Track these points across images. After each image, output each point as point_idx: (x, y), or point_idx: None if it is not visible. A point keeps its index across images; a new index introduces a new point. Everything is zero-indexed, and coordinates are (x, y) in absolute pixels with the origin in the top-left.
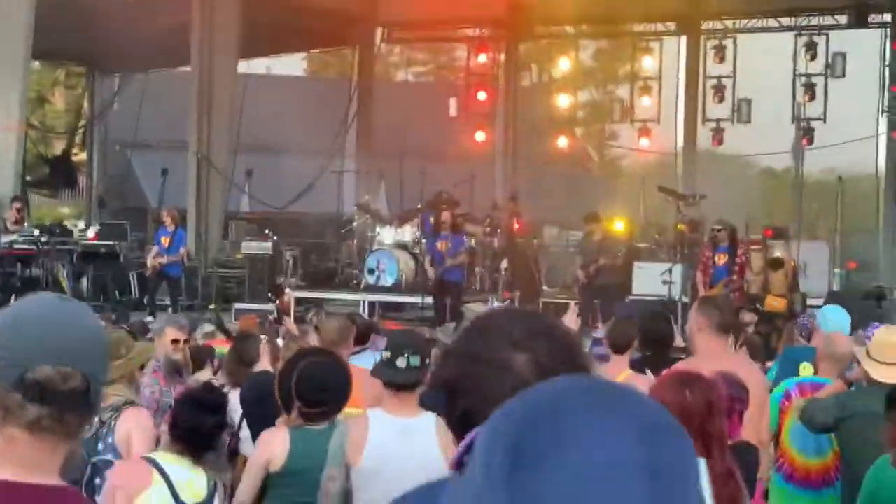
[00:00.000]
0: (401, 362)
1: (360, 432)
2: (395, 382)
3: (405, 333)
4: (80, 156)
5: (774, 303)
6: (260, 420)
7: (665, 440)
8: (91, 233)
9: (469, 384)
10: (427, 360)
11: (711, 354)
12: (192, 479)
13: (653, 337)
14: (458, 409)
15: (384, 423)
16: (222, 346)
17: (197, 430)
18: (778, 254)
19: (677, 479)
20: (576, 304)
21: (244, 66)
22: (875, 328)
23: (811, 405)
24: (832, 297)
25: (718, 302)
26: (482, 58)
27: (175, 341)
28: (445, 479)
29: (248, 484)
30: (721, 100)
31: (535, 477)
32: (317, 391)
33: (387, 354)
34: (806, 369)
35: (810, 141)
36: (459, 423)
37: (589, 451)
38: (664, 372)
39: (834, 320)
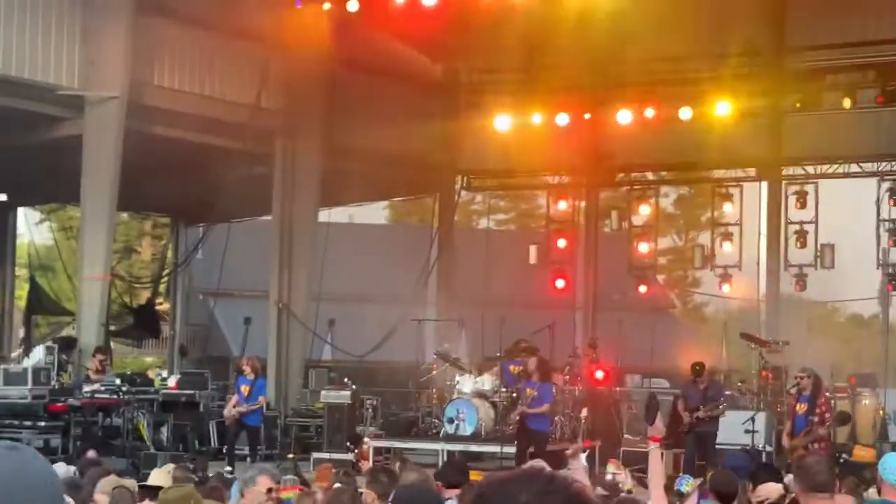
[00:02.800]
0: None
1: None
2: None
3: (411, 489)
4: (164, 305)
5: (862, 452)
6: None
7: None
8: (172, 382)
9: None
10: None
11: None
12: None
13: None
14: None
15: None
16: (288, 493)
17: None
18: (865, 402)
19: None
20: (582, 449)
21: (326, 215)
22: None
23: None
24: None
25: (809, 462)
26: (562, 205)
27: (269, 490)
28: None
29: None
30: (803, 245)
31: None
32: None
33: None
34: None
35: None
36: None
37: None
38: None
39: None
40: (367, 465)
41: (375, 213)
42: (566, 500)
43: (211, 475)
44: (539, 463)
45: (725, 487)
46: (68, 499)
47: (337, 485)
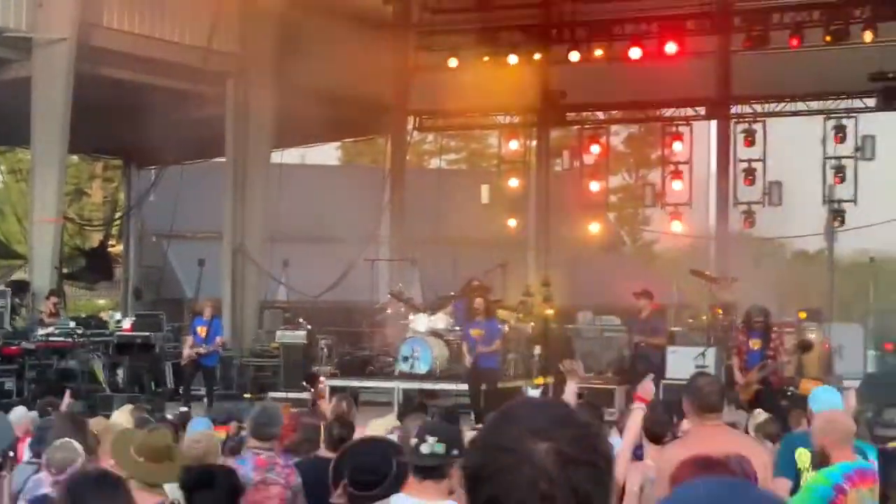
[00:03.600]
0: (425, 448)
1: None
2: (418, 466)
3: (438, 423)
4: (116, 248)
5: (809, 385)
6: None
7: None
8: (127, 324)
9: (491, 473)
10: (454, 451)
11: (701, 437)
12: None
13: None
14: (481, 497)
15: None
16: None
17: None
18: (811, 336)
19: None
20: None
21: (278, 156)
22: None
23: None
24: (868, 379)
25: (700, 383)
26: (513, 144)
27: None
28: None
29: None
30: (752, 183)
31: None
32: (367, 474)
33: (414, 440)
34: (803, 456)
35: (842, 223)
36: None
37: None
38: (676, 458)
39: (825, 400)
40: (324, 404)
41: (328, 153)
42: (584, 435)
43: (169, 416)
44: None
45: (657, 428)
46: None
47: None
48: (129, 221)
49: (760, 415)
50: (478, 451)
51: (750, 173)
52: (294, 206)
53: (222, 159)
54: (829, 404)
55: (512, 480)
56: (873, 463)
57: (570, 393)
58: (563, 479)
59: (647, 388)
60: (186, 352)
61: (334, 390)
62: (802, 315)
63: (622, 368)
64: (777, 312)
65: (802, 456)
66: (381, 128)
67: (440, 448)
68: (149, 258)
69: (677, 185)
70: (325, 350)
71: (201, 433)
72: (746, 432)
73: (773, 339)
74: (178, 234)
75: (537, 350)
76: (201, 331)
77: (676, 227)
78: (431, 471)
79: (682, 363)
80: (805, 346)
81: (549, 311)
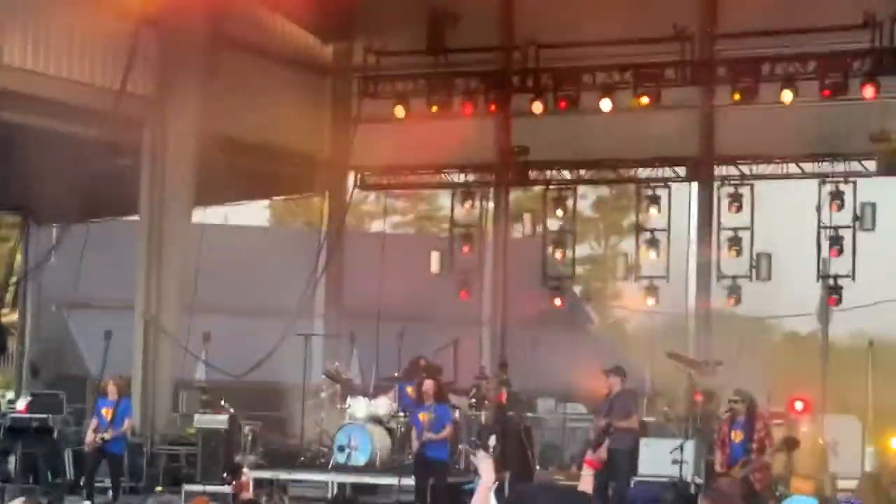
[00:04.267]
0: None
1: None
2: None
3: None
4: (10, 317)
5: (800, 484)
6: None
7: None
8: (21, 404)
9: None
10: None
11: None
12: None
13: None
14: None
15: None
16: None
17: None
18: (803, 430)
19: None
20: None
21: (199, 215)
22: None
23: None
24: (868, 480)
25: (722, 488)
26: (468, 206)
27: None
28: None
29: None
30: (738, 254)
31: None
32: None
33: None
34: None
35: (838, 301)
36: None
37: None
38: None
39: None
40: (246, 498)
41: (256, 213)
42: None
43: None
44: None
45: None
46: None
47: None
48: (26, 287)
49: None
50: None
51: (735, 243)
52: (216, 272)
53: (135, 217)
54: None
55: None
56: None
57: (586, 482)
58: None
59: (600, 454)
60: (90, 437)
61: (260, 483)
62: (793, 405)
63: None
64: (764, 401)
65: None
66: (318, 185)
67: None
68: (48, 329)
69: (653, 256)
70: (250, 437)
71: None
72: None
73: (758, 430)
74: (82, 302)
75: (492, 441)
76: (106, 413)
77: (651, 303)
78: None
79: (657, 457)
80: (790, 444)
81: (506, 396)
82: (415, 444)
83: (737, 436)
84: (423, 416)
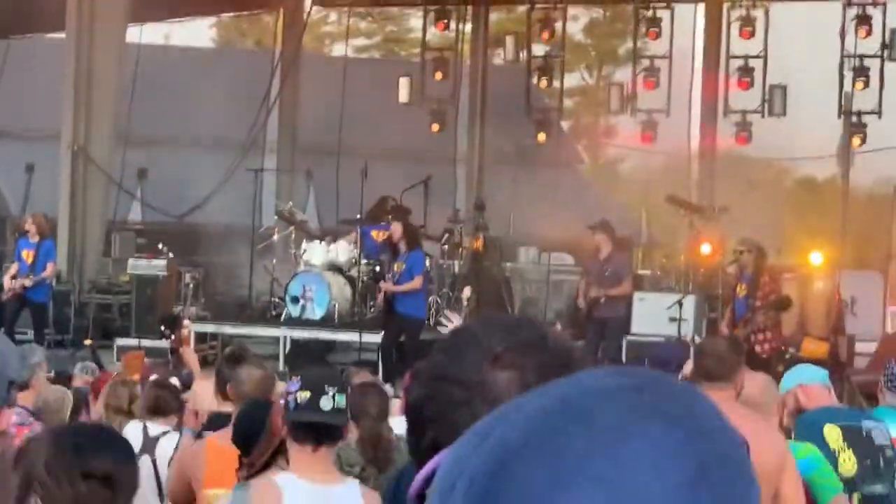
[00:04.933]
0: (325, 402)
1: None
2: (324, 425)
3: (323, 369)
4: None
5: (813, 346)
6: None
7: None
8: None
9: (439, 410)
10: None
11: None
12: None
13: None
14: (426, 439)
15: (300, 493)
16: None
17: None
18: (818, 285)
19: None
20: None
21: (136, 34)
22: None
23: None
24: (889, 341)
25: (702, 344)
26: (442, 28)
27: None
28: None
29: None
30: (748, 87)
31: None
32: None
33: (305, 395)
34: (833, 433)
35: (862, 141)
36: (427, 457)
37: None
38: None
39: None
40: (187, 354)
41: (199, 33)
42: (557, 360)
43: None
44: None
45: None
46: None
47: (154, 377)
48: None
49: None
50: (422, 383)
51: (746, 74)
52: (154, 99)
53: (60, 35)
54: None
55: (464, 420)
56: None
57: None
58: None
59: None
60: (7, 282)
61: (202, 338)
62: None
63: (575, 320)
64: (775, 254)
65: (832, 433)
66: (270, 0)
67: (342, 401)
68: None
69: (652, 88)
70: (191, 285)
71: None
72: None
73: (764, 284)
74: (1, 130)
75: (466, 293)
76: (27, 256)
77: (649, 141)
78: (332, 433)
79: (651, 315)
80: (781, 304)
81: (483, 243)
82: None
83: (742, 290)
84: (397, 266)
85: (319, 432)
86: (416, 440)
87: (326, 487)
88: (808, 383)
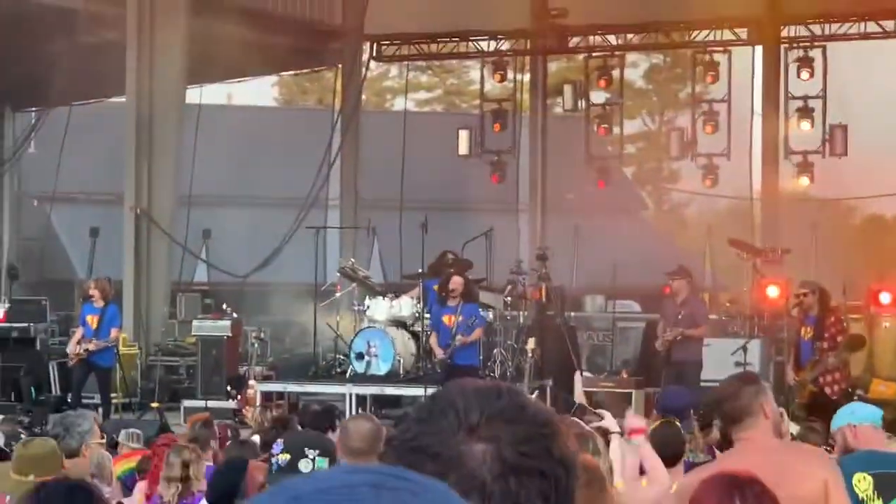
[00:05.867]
0: (304, 465)
1: None
2: None
3: (303, 433)
4: None
5: (882, 388)
6: None
7: None
8: None
9: None
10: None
11: (731, 453)
12: None
13: None
14: None
15: None
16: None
17: None
18: (886, 325)
19: None
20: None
21: (196, 94)
22: None
23: None
24: None
25: (725, 385)
26: (500, 78)
27: None
28: None
29: None
30: (809, 126)
31: None
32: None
33: (285, 457)
34: (862, 482)
35: None
36: None
37: None
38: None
39: (862, 417)
40: (252, 414)
41: (261, 91)
42: (535, 433)
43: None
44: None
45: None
46: None
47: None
48: (3, 179)
49: (793, 426)
50: (394, 453)
51: (806, 114)
52: (217, 159)
53: (122, 99)
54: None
55: None
56: None
57: (578, 392)
58: (501, 492)
59: (634, 420)
60: (73, 347)
61: (268, 397)
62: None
63: (645, 365)
64: (840, 295)
65: (861, 483)
66: (330, 57)
67: (323, 463)
68: (28, 227)
69: (712, 131)
70: (256, 345)
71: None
72: None
73: (830, 325)
74: (66, 196)
75: (531, 344)
76: (91, 321)
77: (711, 184)
78: None
79: (717, 360)
80: (855, 343)
81: (546, 293)
82: (437, 351)
83: (807, 332)
84: (448, 319)
85: None
86: None
87: None
88: (859, 423)
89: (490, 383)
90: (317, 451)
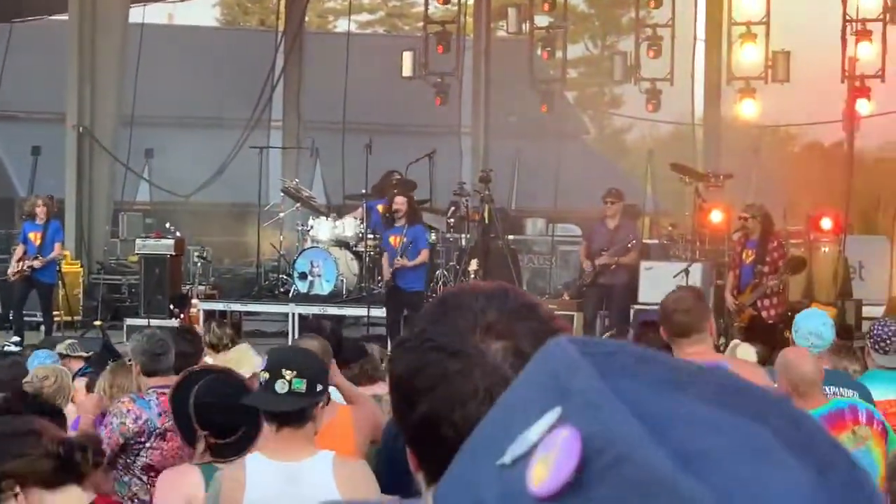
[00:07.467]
0: (280, 386)
1: (236, 484)
2: (274, 412)
3: (290, 349)
4: None
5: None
6: None
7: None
8: None
9: (430, 382)
10: (319, 387)
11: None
12: None
13: None
14: (416, 413)
15: (265, 470)
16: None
17: None
18: (825, 250)
19: None
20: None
21: (139, 14)
22: None
23: None
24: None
25: (666, 301)
26: (444, 2)
27: None
28: None
29: None
30: (752, 52)
31: None
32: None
33: (264, 375)
34: None
35: (867, 105)
36: (418, 432)
37: None
38: None
39: (804, 328)
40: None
41: (203, 12)
42: (549, 329)
43: None
44: None
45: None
46: None
47: None
48: None
49: (739, 345)
50: (411, 354)
51: (749, 39)
52: (160, 80)
53: (64, 16)
54: (808, 332)
55: (457, 391)
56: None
57: None
58: None
59: None
60: (14, 264)
61: (210, 315)
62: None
63: (582, 290)
64: (781, 220)
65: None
66: None
67: (300, 385)
68: None
69: (655, 56)
70: (199, 264)
71: (49, 368)
72: None
73: (772, 249)
74: (6, 114)
75: (473, 266)
76: (34, 237)
77: (654, 110)
78: (289, 417)
79: (658, 283)
80: (796, 265)
81: (489, 216)
82: (386, 271)
83: (748, 256)
84: (394, 239)
85: (276, 415)
86: (406, 413)
87: (291, 463)
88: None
89: (496, 284)
90: (294, 372)
